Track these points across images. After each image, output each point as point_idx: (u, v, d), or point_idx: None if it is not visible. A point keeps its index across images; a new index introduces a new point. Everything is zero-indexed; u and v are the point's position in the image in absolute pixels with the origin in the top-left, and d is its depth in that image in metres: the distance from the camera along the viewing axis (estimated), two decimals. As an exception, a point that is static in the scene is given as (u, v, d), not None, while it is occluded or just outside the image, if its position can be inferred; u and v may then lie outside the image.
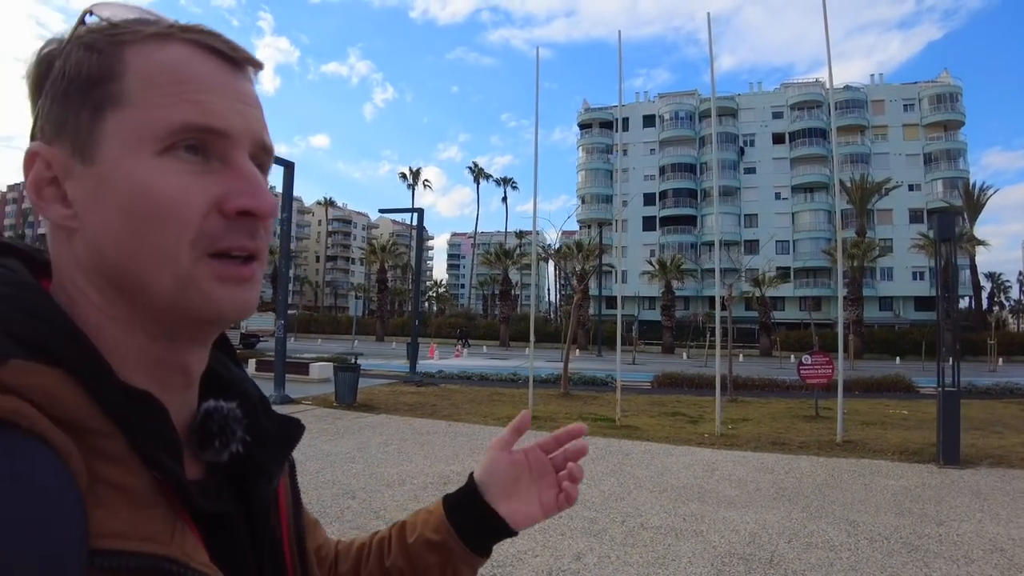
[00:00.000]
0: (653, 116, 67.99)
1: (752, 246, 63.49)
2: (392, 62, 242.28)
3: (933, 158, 60.68)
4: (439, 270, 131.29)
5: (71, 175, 0.49)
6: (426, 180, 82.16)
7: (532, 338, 14.35)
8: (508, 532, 0.78)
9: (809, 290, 60.16)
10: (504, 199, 79.34)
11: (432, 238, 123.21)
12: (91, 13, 0.51)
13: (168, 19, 0.52)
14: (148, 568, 0.42)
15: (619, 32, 13.86)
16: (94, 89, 0.48)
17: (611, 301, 66.33)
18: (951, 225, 8.83)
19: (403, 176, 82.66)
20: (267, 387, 14.42)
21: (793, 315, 59.80)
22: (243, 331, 35.66)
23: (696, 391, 17.82)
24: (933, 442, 8.80)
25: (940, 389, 8.64)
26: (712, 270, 61.74)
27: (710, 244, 64.52)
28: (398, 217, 78.70)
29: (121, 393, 0.46)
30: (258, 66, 0.55)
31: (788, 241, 61.90)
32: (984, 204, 48.16)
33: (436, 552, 0.77)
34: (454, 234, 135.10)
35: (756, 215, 63.44)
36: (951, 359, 8.87)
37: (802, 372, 12.90)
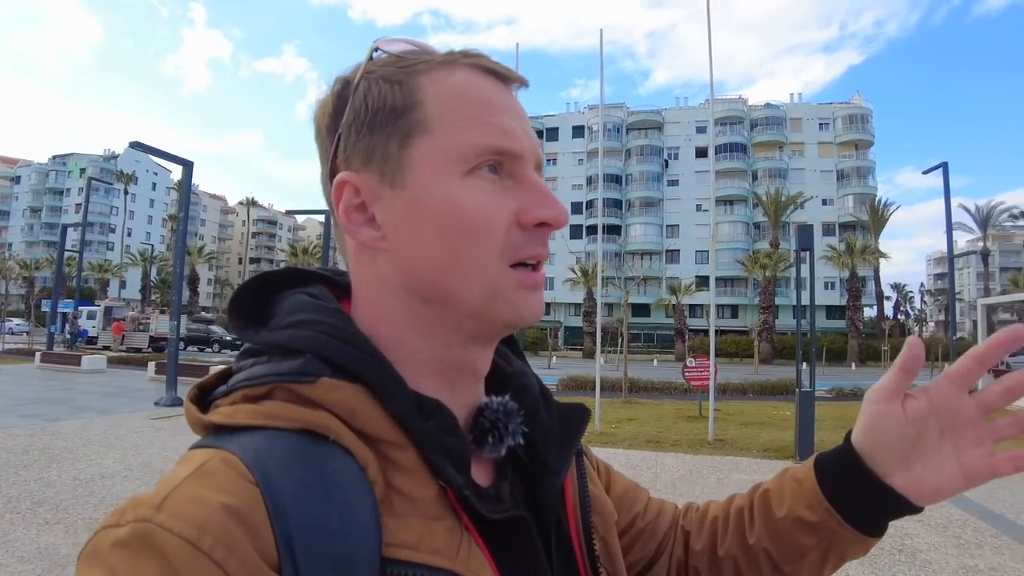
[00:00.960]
0: (583, 127, 69.27)
1: (673, 255, 65.55)
2: (329, 61, 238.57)
3: (845, 175, 64.22)
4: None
5: (380, 200, 0.52)
6: None
7: None
8: (910, 508, 0.59)
9: (727, 298, 62.43)
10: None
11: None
12: (378, 49, 0.55)
13: (438, 48, 0.55)
14: None
15: (600, 31, 13.06)
16: (400, 119, 0.51)
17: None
18: (809, 236, 9.31)
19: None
20: (162, 389, 13.96)
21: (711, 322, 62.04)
22: (152, 334, 34.23)
23: (594, 393, 17.93)
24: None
25: (798, 391, 9.05)
26: (633, 278, 63.96)
27: (632, 253, 66.25)
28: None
29: (413, 405, 0.49)
30: (525, 83, 0.57)
31: (707, 251, 64.09)
32: (887, 219, 51.15)
33: (813, 534, 0.63)
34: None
35: (678, 226, 65.48)
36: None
37: (686, 374, 13.35)
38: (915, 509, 0.59)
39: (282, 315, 0.53)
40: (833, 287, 59.00)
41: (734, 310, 63.72)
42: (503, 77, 0.55)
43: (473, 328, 0.53)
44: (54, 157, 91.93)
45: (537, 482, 0.57)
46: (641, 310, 63.16)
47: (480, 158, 0.51)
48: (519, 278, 0.52)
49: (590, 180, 67.17)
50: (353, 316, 0.54)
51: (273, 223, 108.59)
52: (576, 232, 67.63)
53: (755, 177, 63.77)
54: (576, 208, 67.67)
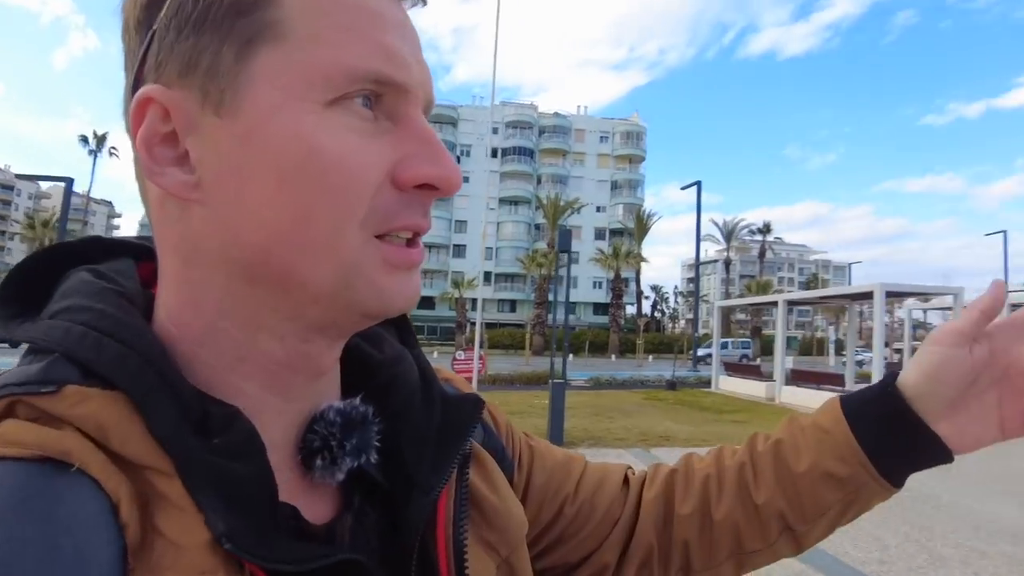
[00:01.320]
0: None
1: (460, 250, 67.67)
2: (99, 4, 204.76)
3: (618, 185, 71.10)
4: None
5: (198, 130, 0.38)
6: (113, 147, 69.94)
7: None
8: (947, 458, 0.56)
9: (507, 294, 66.09)
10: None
11: (119, 216, 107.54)
12: None
13: None
14: None
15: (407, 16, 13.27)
16: (242, 17, 0.37)
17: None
18: (567, 240, 10.43)
19: (83, 139, 69.65)
20: None
21: (492, 316, 65.24)
22: None
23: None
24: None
25: (551, 381, 10.09)
26: (425, 271, 64.80)
27: (424, 246, 67.13)
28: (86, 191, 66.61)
29: (192, 415, 0.38)
30: (425, 1, 0.44)
31: (492, 248, 67.14)
32: (649, 228, 57.72)
33: (840, 489, 0.57)
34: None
35: (466, 222, 67.63)
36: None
37: (455, 366, 14.10)
38: (950, 458, 0.56)
39: (54, 300, 0.42)
40: (601, 286, 65.26)
41: (513, 305, 67.55)
42: None
43: (319, 317, 0.41)
44: None
45: (402, 504, 0.45)
46: (425, 303, 64.47)
47: (352, 85, 0.38)
48: (387, 253, 0.41)
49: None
50: (159, 297, 0.43)
51: (10, 188, 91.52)
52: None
53: (539, 181, 68.16)
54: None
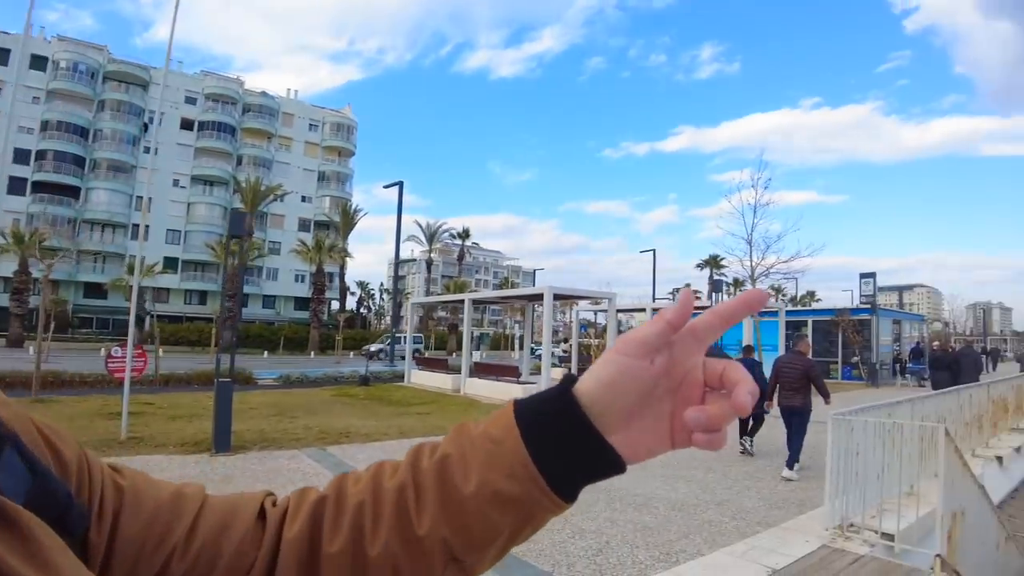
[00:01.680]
0: (47, 59, 56.45)
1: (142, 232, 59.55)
2: None
3: (326, 177, 69.07)
4: None
5: None
6: None
7: None
8: (617, 469, 0.51)
9: (197, 283, 60.13)
10: None
11: None
12: None
13: None
14: None
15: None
16: None
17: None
18: (240, 223, 9.75)
19: None
20: None
21: (178, 308, 58.68)
22: None
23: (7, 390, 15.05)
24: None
25: (216, 381, 9.40)
26: (92, 252, 55.40)
27: (94, 222, 57.49)
28: None
29: None
30: None
31: (181, 231, 60.39)
32: (356, 223, 57.26)
33: (511, 510, 0.49)
34: None
35: (152, 199, 59.59)
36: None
37: (109, 365, 12.33)
38: (622, 469, 0.52)
39: None
40: (303, 280, 62.70)
41: (203, 296, 61.70)
42: None
43: None
44: None
45: None
46: (95, 290, 55.50)
47: None
48: None
49: (46, 125, 55.32)
50: None
51: None
52: (18, 187, 54.79)
53: (240, 162, 63.02)
54: (22, 156, 54.81)
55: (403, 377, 21.48)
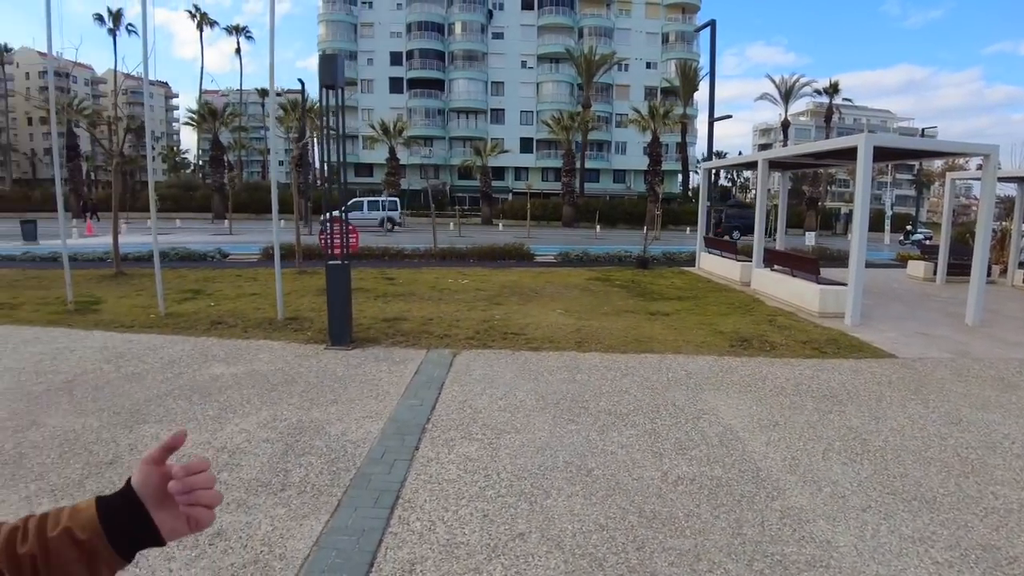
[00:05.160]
0: (400, -35, 62.27)
1: (498, 115, 63.15)
2: None
3: (670, 39, 63.29)
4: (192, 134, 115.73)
5: None
6: (130, 24, 67.00)
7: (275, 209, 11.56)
8: (158, 542, 0.78)
9: (551, 160, 61.82)
10: (238, 50, 68.41)
11: (176, 96, 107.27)
12: None
13: None
14: None
15: None
16: None
17: (361, 169, 63.21)
18: (333, 70, 7.32)
19: (99, 18, 67.36)
20: None
21: (536, 185, 61.39)
22: None
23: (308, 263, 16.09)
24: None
25: (327, 264, 7.57)
26: (460, 138, 61.17)
27: (457, 111, 62.99)
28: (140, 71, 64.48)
29: None
30: None
31: (532, 111, 62.21)
32: (698, 85, 51.33)
33: (79, 548, 0.74)
34: (206, 91, 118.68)
35: (503, 83, 62.53)
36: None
37: (323, 240, 11.64)
38: (161, 542, 0.77)
39: None
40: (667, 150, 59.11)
41: (557, 173, 63.47)
42: None
43: None
44: None
45: None
46: (465, 172, 61.29)
47: None
48: None
49: (410, 27, 61.61)
50: None
51: (66, 75, 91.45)
52: (396, 86, 62.94)
53: (581, 35, 61.31)
54: (395, 59, 62.47)
55: (694, 261, 17.70)
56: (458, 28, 61.35)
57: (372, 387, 6.07)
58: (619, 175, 64.53)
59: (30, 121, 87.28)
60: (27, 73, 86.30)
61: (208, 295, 11.53)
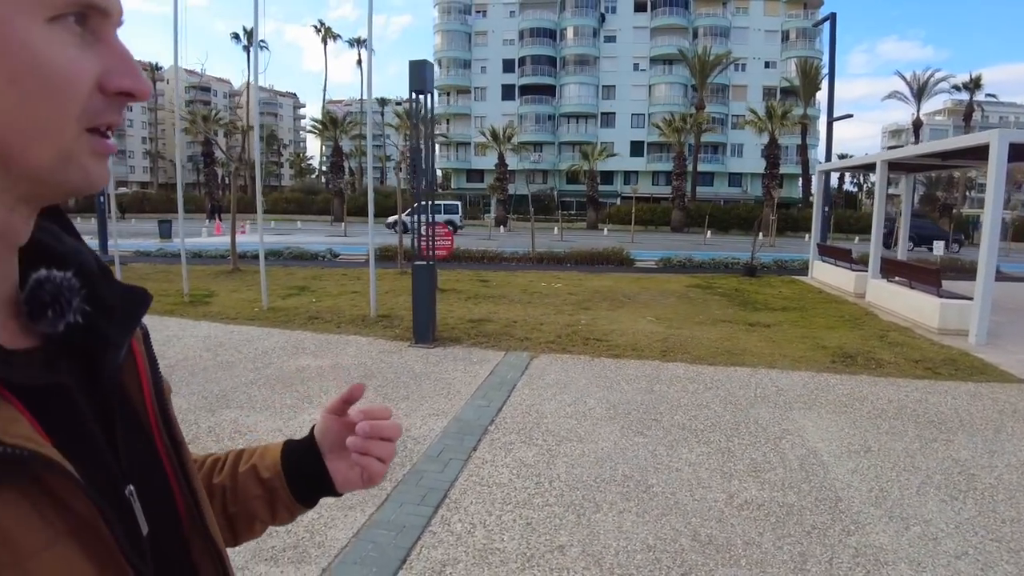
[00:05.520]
0: (514, -27, 63.16)
1: (609, 119, 62.52)
2: None
3: (790, 36, 60.18)
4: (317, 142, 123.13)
5: None
6: (262, 41, 72.04)
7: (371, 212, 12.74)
8: (333, 491, 0.79)
9: (662, 164, 60.44)
10: (359, 62, 71.97)
11: (304, 106, 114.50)
12: None
13: None
14: None
15: None
16: None
17: (473, 174, 64.72)
18: (422, 75, 7.45)
19: (235, 36, 72.81)
20: None
21: (646, 189, 60.18)
22: None
23: (460, 265, 16.72)
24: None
25: (412, 264, 7.75)
26: (570, 143, 61.10)
27: (568, 116, 62.98)
28: (272, 84, 70.16)
29: None
30: None
31: (644, 115, 61.08)
32: (819, 84, 48.39)
33: (262, 487, 0.78)
34: (330, 102, 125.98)
35: (614, 87, 61.81)
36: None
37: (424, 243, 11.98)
38: (336, 492, 0.79)
39: None
40: (787, 153, 56.31)
41: (668, 177, 61.95)
42: None
43: (28, 190, 0.48)
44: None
45: (100, 356, 0.54)
46: (573, 176, 61.08)
47: (68, 7, 0.45)
48: (95, 144, 0.48)
49: (522, 34, 62.32)
50: None
51: (207, 89, 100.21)
52: (508, 93, 63.85)
53: (695, 35, 59.50)
54: (507, 66, 63.43)
55: (808, 269, 16.63)
56: (570, 33, 61.35)
57: (445, 386, 6.12)
58: (734, 179, 62.06)
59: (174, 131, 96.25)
60: (175, 90, 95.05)
61: (312, 292, 12.13)
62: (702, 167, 57.15)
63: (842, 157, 60.38)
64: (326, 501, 0.72)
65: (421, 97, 7.76)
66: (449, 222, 34.63)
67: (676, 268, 18.04)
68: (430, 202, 7.82)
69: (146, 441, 0.59)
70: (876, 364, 7.49)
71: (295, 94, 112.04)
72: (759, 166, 59.40)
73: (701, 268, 17.99)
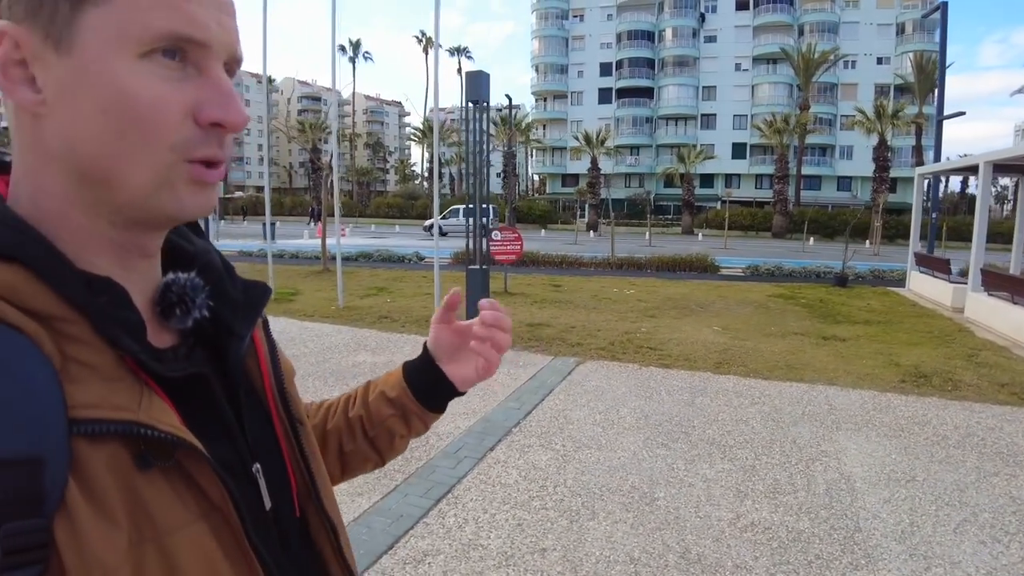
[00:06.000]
0: (612, -24, 62.62)
1: (709, 120, 60.74)
2: None
3: (905, 29, 56.07)
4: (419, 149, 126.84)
5: (42, 60, 0.48)
6: (367, 52, 75.44)
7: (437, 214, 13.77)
8: (455, 392, 0.89)
9: (766, 167, 58.06)
10: (459, 70, 73.53)
11: (408, 114, 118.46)
12: None
13: None
14: (119, 432, 0.46)
15: None
16: None
17: (568, 179, 64.78)
18: (480, 86, 7.63)
19: (342, 49, 76.36)
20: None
21: (749, 193, 58.02)
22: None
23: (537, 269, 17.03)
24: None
25: (467, 268, 7.97)
26: (668, 146, 59.86)
27: (666, 118, 61.74)
28: (379, 93, 73.16)
29: (81, 281, 0.49)
30: None
31: (746, 115, 58.87)
32: (935, 80, 44.77)
33: (392, 405, 0.87)
34: (431, 110, 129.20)
35: (715, 87, 59.96)
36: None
37: (492, 248, 12.23)
38: (458, 392, 0.89)
39: None
40: (900, 155, 52.69)
41: (771, 181, 59.43)
42: None
43: (134, 214, 0.52)
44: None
45: (224, 347, 0.60)
46: (671, 179, 59.78)
47: (157, 42, 0.48)
48: (191, 172, 0.51)
49: (619, 37, 61.69)
50: (14, 186, 0.52)
51: (317, 99, 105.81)
52: (605, 96, 63.42)
53: (801, 32, 56.66)
54: (604, 69, 62.99)
55: (904, 280, 15.54)
56: (668, 34, 60.15)
57: (483, 387, 6.25)
58: (843, 182, 58.60)
59: (289, 139, 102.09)
60: (288, 99, 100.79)
61: (389, 292, 12.65)
62: (808, 170, 54.42)
63: (963, 158, 55.30)
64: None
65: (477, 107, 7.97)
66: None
67: (763, 276, 17.32)
68: (478, 206, 7.99)
69: (266, 422, 0.64)
70: (953, 385, 6.95)
71: (400, 102, 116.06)
72: (870, 169, 55.84)
73: (790, 277, 17.18)
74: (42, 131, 0.49)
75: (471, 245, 8.47)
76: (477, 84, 7.68)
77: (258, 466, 0.59)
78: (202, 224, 0.69)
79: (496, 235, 12.28)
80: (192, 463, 0.50)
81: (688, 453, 4.78)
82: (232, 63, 0.54)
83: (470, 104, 7.91)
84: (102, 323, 0.48)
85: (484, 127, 8.03)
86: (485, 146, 8.15)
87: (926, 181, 16.17)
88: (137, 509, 0.47)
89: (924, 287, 13.86)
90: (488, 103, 7.96)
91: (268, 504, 0.59)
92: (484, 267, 8.00)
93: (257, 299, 0.66)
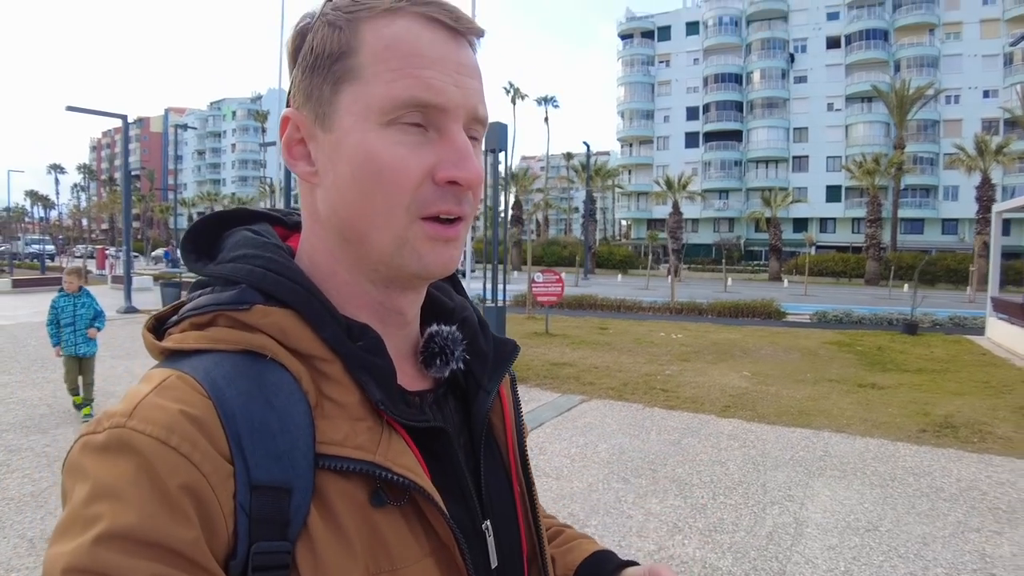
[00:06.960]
0: (697, 23, 62.69)
1: (801, 163, 58.89)
2: None
3: (1013, 59, 52.39)
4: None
5: (314, 138, 0.56)
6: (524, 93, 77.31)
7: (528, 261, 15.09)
8: None
9: (861, 210, 55.36)
10: (546, 119, 75.14)
11: (500, 162, 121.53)
12: None
13: None
14: (357, 471, 0.50)
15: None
16: (335, 64, 0.54)
17: (653, 223, 64.35)
18: (499, 136, 8.06)
19: (506, 90, 78.78)
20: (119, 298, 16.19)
21: (845, 237, 55.39)
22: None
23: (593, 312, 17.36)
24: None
25: (482, 304, 8.29)
26: (758, 189, 58.45)
27: (756, 161, 60.42)
28: None
29: (342, 326, 0.55)
30: (479, 34, 0.59)
31: (840, 157, 56.63)
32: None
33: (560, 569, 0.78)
34: (523, 158, 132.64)
35: (806, 128, 58.19)
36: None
37: (534, 289, 12.62)
38: None
39: (227, 250, 0.59)
40: (1012, 194, 49.02)
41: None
42: (451, 28, 0.56)
43: (388, 273, 0.57)
44: (211, 103, 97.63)
45: (472, 399, 0.65)
46: (762, 224, 58.09)
47: (399, 110, 0.53)
48: (429, 230, 0.55)
49: (706, 81, 61.44)
50: (300, 244, 0.61)
51: None
52: (692, 140, 63.05)
53: (897, 68, 54.27)
54: (691, 114, 62.76)
55: (983, 328, 14.49)
56: (756, 76, 59.31)
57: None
58: (949, 225, 54.75)
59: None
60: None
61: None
62: (909, 213, 51.51)
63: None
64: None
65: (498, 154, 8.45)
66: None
67: (830, 323, 16.60)
68: (496, 248, 8.35)
69: (505, 479, 0.66)
70: (980, 438, 6.54)
71: (493, 150, 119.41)
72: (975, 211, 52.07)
73: (859, 324, 16.38)
74: (315, 198, 0.57)
75: (487, 285, 8.86)
76: (496, 134, 8.18)
77: (488, 524, 0.61)
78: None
79: (538, 277, 12.63)
80: (427, 507, 0.53)
81: (644, 488, 4.85)
82: (473, 124, 0.57)
83: (491, 153, 8.42)
84: (354, 365, 0.53)
85: (506, 175, 8.47)
86: (505, 195, 8.58)
87: (1003, 219, 15.07)
88: (375, 542, 0.50)
89: (1002, 335, 12.90)
90: (507, 151, 8.42)
91: (495, 563, 0.60)
92: (500, 306, 8.35)
93: (507, 355, 0.69)
